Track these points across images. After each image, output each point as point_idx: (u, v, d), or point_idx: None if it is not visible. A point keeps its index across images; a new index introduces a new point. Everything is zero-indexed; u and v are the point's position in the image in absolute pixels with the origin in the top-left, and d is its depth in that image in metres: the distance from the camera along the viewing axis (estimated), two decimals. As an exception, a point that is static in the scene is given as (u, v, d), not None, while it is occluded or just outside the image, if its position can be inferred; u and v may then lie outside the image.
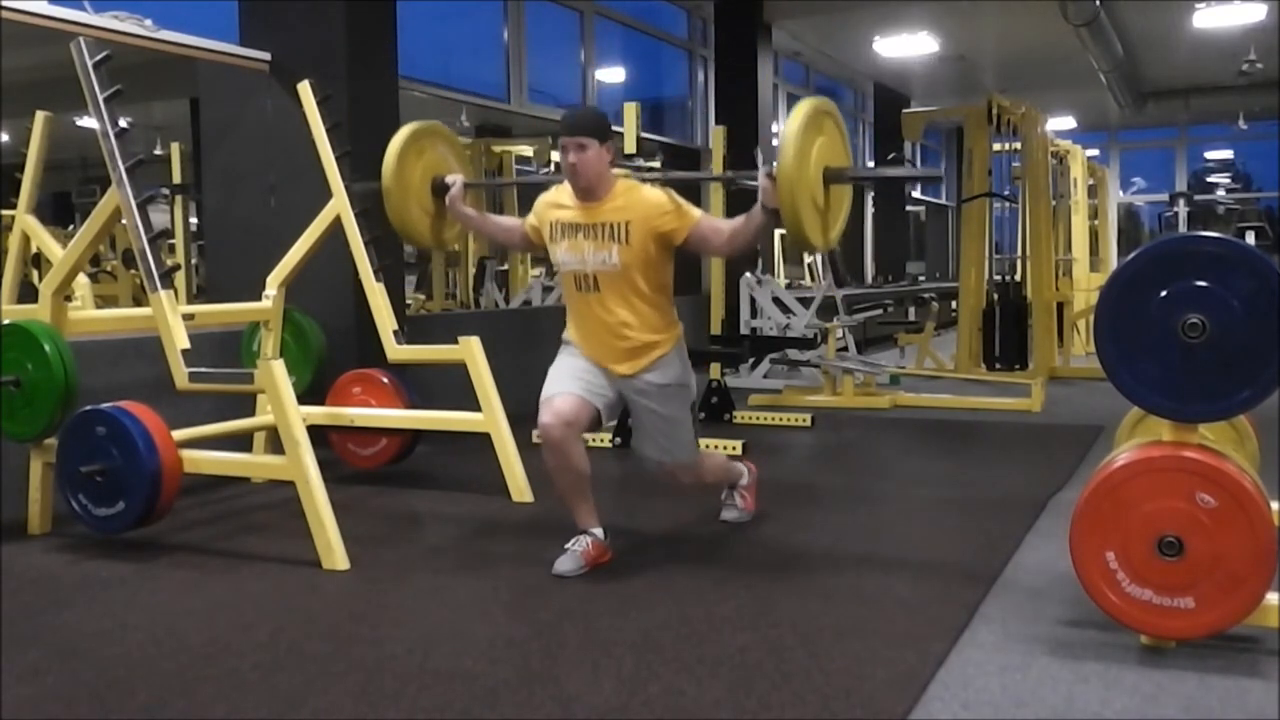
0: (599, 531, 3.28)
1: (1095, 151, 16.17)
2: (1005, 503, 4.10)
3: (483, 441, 4.30)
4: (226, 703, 2.32)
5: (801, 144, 2.94)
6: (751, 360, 7.47)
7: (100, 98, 3.67)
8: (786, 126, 2.96)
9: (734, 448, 5.14)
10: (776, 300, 7.41)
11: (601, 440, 5.25)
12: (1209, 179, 19.54)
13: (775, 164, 2.96)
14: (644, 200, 3.20)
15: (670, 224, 3.17)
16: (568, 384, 3.22)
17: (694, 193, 9.52)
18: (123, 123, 3.75)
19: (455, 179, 3.77)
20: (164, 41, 4.96)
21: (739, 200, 7.38)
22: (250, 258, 5.03)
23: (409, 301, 7.60)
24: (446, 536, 3.89)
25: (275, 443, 3.90)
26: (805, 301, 7.38)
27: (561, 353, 3.35)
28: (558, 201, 3.33)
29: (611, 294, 3.21)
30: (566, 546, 3.24)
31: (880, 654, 2.52)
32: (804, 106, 3.01)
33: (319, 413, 4.52)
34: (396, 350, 4.44)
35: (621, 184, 3.25)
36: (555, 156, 9.33)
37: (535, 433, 3.27)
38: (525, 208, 4.01)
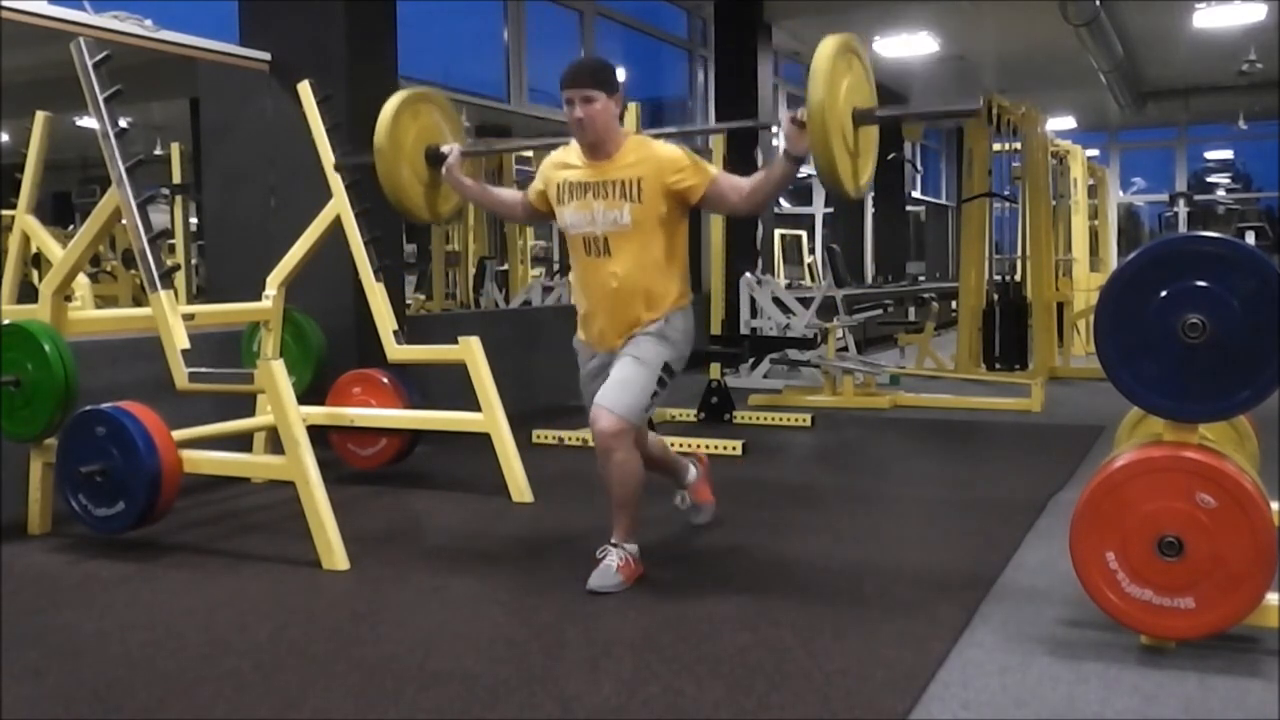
0: (633, 547, 3.10)
1: (1095, 151, 16.17)
2: (1005, 503, 4.10)
3: (483, 441, 4.30)
4: (226, 703, 2.32)
5: (832, 78, 2.70)
6: (751, 360, 7.48)
7: (100, 98, 3.67)
8: (814, 61, 2.69)
9: (734, 448, 5.15)
10: (776, 300, 7.42)
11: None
12: (1209, 179, 19.55)
13: (801, 109, 2.78)
14: (658, 155, 3.03)
15: (687, 180, 3.01)
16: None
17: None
18: (123, 123, 3.75)
19: (452, 148, 3.59)
20: (164, 41, 4.96)
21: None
22: (250, 258, 5.03)
23: (409, 301, 7.60)
24: (446, 536, 3.88)
25: (275, 443, 3.90)
26: (805, 301, 7.38)
27: (580, 360, 3.24)
28: (565, 161, 3.18)
29: (622, 256, 3.04)
30: (600, 558, 3.05)
31: (880, 654, 2.52)
32: (830, 41, 2.76)
33: (319, 413, 4.52)
34: (396, 350, 4.44)
35: (633, 139, 3.11)
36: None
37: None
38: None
